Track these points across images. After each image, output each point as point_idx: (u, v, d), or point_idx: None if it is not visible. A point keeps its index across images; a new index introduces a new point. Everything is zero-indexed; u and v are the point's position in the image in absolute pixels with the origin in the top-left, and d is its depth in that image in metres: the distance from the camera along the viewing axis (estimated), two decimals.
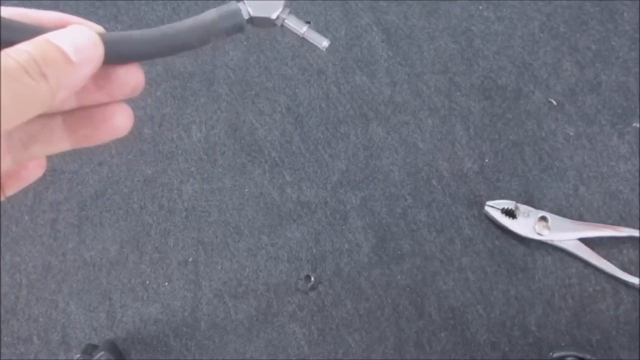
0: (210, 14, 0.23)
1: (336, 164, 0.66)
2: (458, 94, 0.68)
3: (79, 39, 0.19)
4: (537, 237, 0.60)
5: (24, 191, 0.66)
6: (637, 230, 0.61)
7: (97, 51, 0.19)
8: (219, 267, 0.63)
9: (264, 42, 0.71)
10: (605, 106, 0.66)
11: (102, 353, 0.57)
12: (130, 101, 0.73)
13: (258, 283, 0.62)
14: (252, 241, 0.63)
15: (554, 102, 0.67)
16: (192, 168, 0.66)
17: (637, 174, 0.64)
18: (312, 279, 0.62)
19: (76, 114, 0.22)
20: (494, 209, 0.61)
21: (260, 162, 0.66)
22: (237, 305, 0.62)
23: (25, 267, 0.63)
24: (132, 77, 0.22)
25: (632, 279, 0.59)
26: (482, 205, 0.62)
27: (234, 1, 0.24)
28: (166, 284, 0.63)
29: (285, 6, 0.24)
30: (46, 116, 0.23)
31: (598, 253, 0.60)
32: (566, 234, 0.60)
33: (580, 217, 0.62)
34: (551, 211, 0.62)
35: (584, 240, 0.60)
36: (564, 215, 0.62)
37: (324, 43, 0.25)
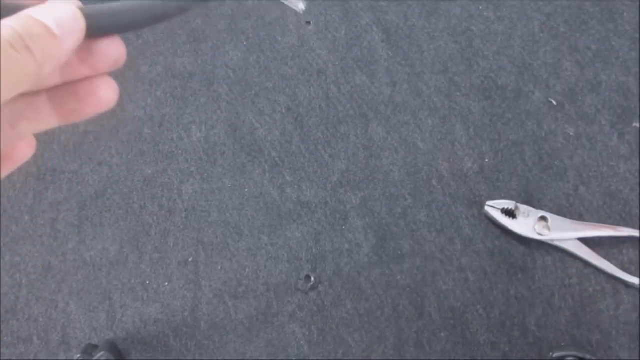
0: None
1: (336, 164, 0.66)
2: (458, 94, 0.68)
3: (59, 12, 0.19)
4: (537, 237, 0.60)
5: (24, 191, 0.66)
6: (637, 230, 0.61)
7: (79, 24, 0.19)
8: (219, 267, 0.63)
9: (264, 42, 0.71)
10: (605, 106, 0.66)
11: (102, 353, 0.56)
12: (131, 101, 0.73)
13: (258, 283, 0.62)
14: (252, 241, 0.63)
15: (554, 102, 0.67)
16: (192, 168, 0.66)
17: (637, 174, 0.64)
18: (312, 279, 0.62)
19: (61, 89, 0.23)
20: (494, 209, 0.61)
21: (260, 162, 0.66)
22: (237, 305, 0.62)
23: (25, 267, 0.63)
24: (114, 49, 0.22)
25: (632, 279, 0.59)
26: (482, 205, 0.62)
27: None
28: (166, 284, 0.63)
29: None
30: (32, 94, 0.23)
31: (598, 253, 0.60)
32: (566, 234, 0.60)
33: (580, 217, 0.62)
34: (551, 211, 0.62)
35: (584, 240, 0.60)
36: (564, 215, 0.62)
37: (300, 5, 0.26)
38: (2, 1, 0.20)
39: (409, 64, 0.69)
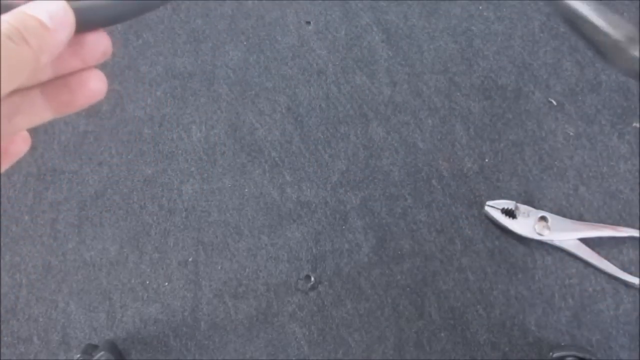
0: None
1: (336, 164, 0.66)
2: (458, 94, 0.68)
3: (50, 7, 0.20)
4: (537, 237, 0.60)
5: (24, 191, 0.66)
6: (637, 230, 0.61)
7: (69, 17, 0.21)
8: (219, 267, 0.63)
9: (264, 42, 0.71)
10: (605, 106, 0.66)
11: (102, 353, 0.57)
12: (131, 101, 0.73)
13: (258, 283, 0.62)
14: (252, 241, 0.63)
15: (554, 102, 0.67)
16: (192, 168, 0.66)
17: (637, 174, 0.64)
18: (312, 279, 0.62)
19: (53, 83, 0.24)
20: (494, 209, 0.61)
21: (260, 162, 0.66)
22: (237, 305, 0.62)
23: (25, 267, 0.63)
24: (101, 42, 0.24)
25: (632, 279, 0.59)
26: (482, 205, 0.62)
27: None
28: (166, 284, 0.63)
29: None
30: (26, 89, 0.24)
31: (598, 253, 0.60)
32: (566, 234, 0.60)
33: (580, 217, 0.62)
34: (551, 211, 0.62)
35: (584, 240, 0.60)
36: (564, 215, 0.62)
37: None
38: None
39: (409, 64, 0.69)
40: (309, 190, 0.65)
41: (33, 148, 0.68)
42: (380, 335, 0.60)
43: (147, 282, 0.63)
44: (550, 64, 0.68)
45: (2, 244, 0.64)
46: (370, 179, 0.65)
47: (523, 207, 0.61)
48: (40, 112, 0.25)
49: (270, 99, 0.69)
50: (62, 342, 0.61)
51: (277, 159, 0.66)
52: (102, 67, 0.75)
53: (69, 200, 0.66)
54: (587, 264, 0.61)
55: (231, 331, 0.61)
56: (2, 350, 0.61)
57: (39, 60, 0.20)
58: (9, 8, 0.20)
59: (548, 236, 0.60)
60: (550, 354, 0.57)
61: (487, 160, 0.65)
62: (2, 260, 0.64)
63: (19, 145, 0.25)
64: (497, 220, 0.61)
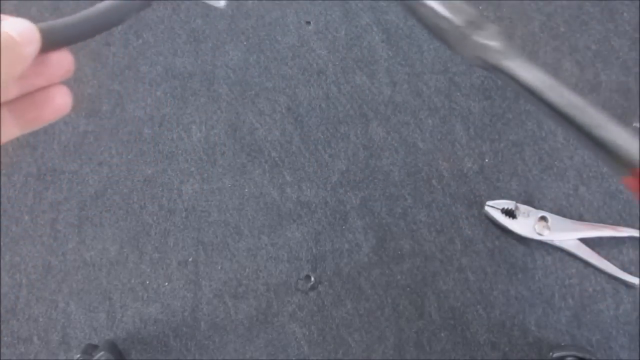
0: None
1: (336, 164, 0.66)
2: (458, 94, 0.68)
3: (18, 25, 0.22)
4: (537, 237, 0.60)
5: (24, 191, 0.66)
6: (637, 230, 0.61)
7: (35, 34, 0.22)
8: (219, 267, 0.63)
9: (264, 42, 0.71)
10: (605, 106, 0.66)
11: (102, 353, 0.57)
12: (131, 101, 0.73)
13: (258, 283, 0.62)
14: (252, 241, 0.63)
15: None
16: (192, 168, 0.66)
17: None
18: (312, 279, 0.62)
19: (20, 101, 0.25)
20: (494, 209, 0.61)
21: (260, 162, 0.66)
22: (237, 305, 0.62)
23: (25, 267, 0.63)
24: (64, 60, 0.25)
25: (632, 279, 0.59)
26: (482, 205, 0.62)
27: None
28: (166, 284, 0.63)
29: None
30: None
31: (598, 253, 0.60)
32: (566, 234, 0.60)
33: (580, 217, 0.62)
34: (551, 211, 0.62)
35: (584, 240, 0.60)
36: (564, 215, 0.62)
37: (221, 4, 0.27)
38: None
39: (409, 64, 0.69)
40: (309, 190, 0.65)
41: (33, 148, 0.68)
42: (380, 335, 0.60)
43: (147, 282, 0.63)
44: (550, 64, 0.68)
45: (2, 244, 0.64)
46: (370, 179, 0.65)
47: (523, 207, 0.61)
48: (8, 129, 0.26)
49: (270, 99, 0.69)
50: (62, 342, 0.61)
51: (277, 159, 0.66)
52: (103, 67, 0.75)
53: (69, 200, 0.66)
54: (587, 264, 0.61)
55: (231, 331, 0.61)
56: (2, 350, 0.61)
57: (10, 73, 0.21)
58: None
59: (548, 236, 0.60)
60: (550, 354, 0.57)
61: (487, 160, 0.65)
62: (2, 260, 0.64)
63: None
64: (497, 220, 0.61)
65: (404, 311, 0.61)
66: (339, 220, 0.64)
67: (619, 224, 0.62)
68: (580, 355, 0.55)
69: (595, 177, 0.64)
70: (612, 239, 0.61)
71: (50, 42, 0.24)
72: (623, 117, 0.66)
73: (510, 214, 0.61)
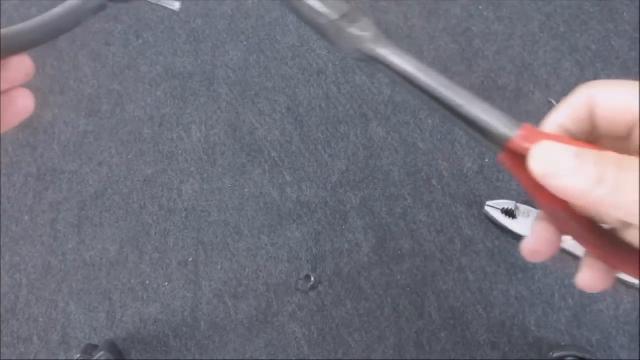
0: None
1: (336, 164, 0.66)
2: None
3: None
4: None
5: (24, 191, 0.66)
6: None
7: None
8: (219, 267, 0.63)
9: (264, 42, 0.71)
10: None
11: (102, 353, 0.57)
12: (131, 101, 0.73)
13: (258, 283, 0.62)
14: (252, 241, 0.63)
15: (554, 102, 0.67)
16: (192, 168, 0.66)
17: None
18: (312, 279, 0.62)
19: None
20: (494, 209, 0.61)
21: (260, 162, 0.66)
22: (237, 305, 0.62)
23: (25, 267, 0.63)
24: (24, 64, 0.26)
25: (632, 279, 0.59)
26: (482, 205, 0.62)
27: None
28: (166, 284, 0.63)
29: None
30: None
31: None
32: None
33: None
34: None
35: None
36: None
37: (176, 5, 0.28)
38: None
39: None
40: (309, 190, 0.65)
41: (33, 148, 0.68)
42: (380, 335, 0.60)
43: (147, 282, 0.63)
44: (550, 64, 0.68)
45: (2, 244, 0.64)
46: (370, 179, 0.65)
47: (523, 207, 0.61)
48: None
49: (270, 99, 0.69)
50: (62, 342, 0.61)
51: (277, 159, 0.66)
52: (103, 67, 0.75)
53: (69, 200, 0.66)
54: None
55: (231, 331, 0.61)
56: (2, 350, 0.61)
57: None
58: None
59: None
60: (550, 354, 0.57)
61: (487, 160, 0.65)
62: (2, 260, 0.64)
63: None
64: (497, 220, 0.61)
65: (404, 311, 0.61)
66: (339, 220, 0.64)
67: None
68: (580, 355, 0.55)
69: None
70: None
71: (9, 48, 0.25)
72: None
73: (510, 214, 0.61)
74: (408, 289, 0.61)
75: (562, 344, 0.59)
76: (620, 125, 0.21)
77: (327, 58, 0.70)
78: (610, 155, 0.18)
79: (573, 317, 0.59)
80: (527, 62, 0.68)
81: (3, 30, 0.24)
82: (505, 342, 0.59)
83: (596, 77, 0.67)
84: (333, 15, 0.25)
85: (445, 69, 0.69)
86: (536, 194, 0.21)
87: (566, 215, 0.22)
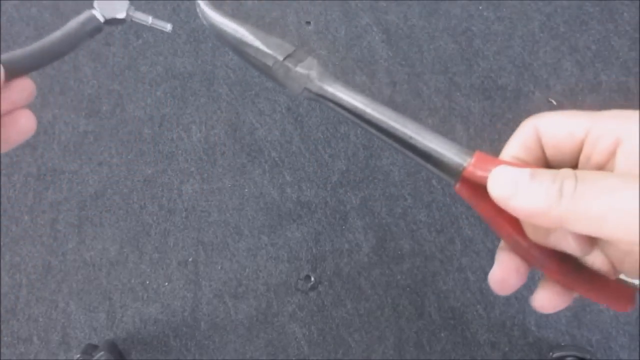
0: (73, 24, 0.29)
1: (336, 164, 0.66)
2: (458, 94, 0.68)
3: None
4: None
5: (24, 191, 0.66)
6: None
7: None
8: (219, 267, 0.63)
9: None
10: (605, 106, 0.66)
11: (102, 353, 0.57)
12: (131, 101, 0.72)
13: (258, 283, 0.62)
14: (252, 241, 0.63)
15: (554, 102, 0.67)
16: (192, 168, 0.66)
17: None
18: (312, 279, 0.62)
19: None
20: None
21: (260, 162, 0.66)
22: (237, 305, 0.62)
23: (25, 267, 0.63)
24: (26, 86, 0.28)
25: (632, 279, 0.59)
26: None
27: (88, 10, 0.29)
28: (166, 284, 0.63)
29: (129, 5, 0.30)
30: None
31: None
32: None
33: None
34: None
35: None
36: None
37: (168, 27, 0.31)
38: None
39: (409, 64, 0.69)
40: (309, 190, 0.65)
41: (33, 148, 0.68)
42: (380, 335, 0.60)
43: (147, 282, 0.63)
44: (550, 64, 0.68)
45: (2, 244, 0.64)
46: (370, 179, 0.65)
47: None
48: None
49: (270, 99, 0.69)
50: (62, 342, 0.61)
51: (277, 159, 0.66)
52: (103, 67, 0.75)
53: (69, 200, 0.66)
54: None
55: (231, 331, 0.61)
56: (2, 350, 0.61)
57: None
58: None
59: None
60: (550, 354, 0.57)
61: None
62: (2, 260, 0.64)
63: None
64: None
65: (404, 311, 0.61)
66: (339, 220, 0.64)
67: None
68: (580, 355, 0.55)
69: None
70: None
71: (12, 71, 0.27)
72: None
73: None
74: (408, 289, 0.61)
75: (562, 344, 0.59)
76: (565, 152, 0.21)
77: (327, 58, 0.70)
78: (565, 170, 0.19)
79: (573, 317, 0.59)
80: (527, 62, 0.68)
81: (5, 55, 0.26)
82: (505, 342, 0.59)
83: (596, 77, 0.67)
84: (279, 55, 0.26)
85: (445, 69, 0.69)
86: (495, 223, 0.21)
87: (527, 243, 0.22)
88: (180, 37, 0.71)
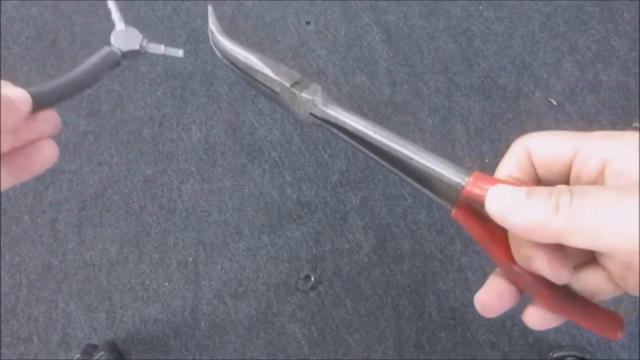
0: (93, 59, 0.32)
1: (336, 164, 0.66)
2: (458, 94, 0.68)
3: (13, 89, 0.28)
4: None
5: (24, 191, 0.66)
6: None
7: (27, 97, 0.28)
8: (219, 267, 0.63)
9: (264, 42, 0.71)
10: (605, 106, 0.66)
11: (102, 353, 0.57)
12: (131, 101, 0.73)
13: (258, 283, 0.62)
14: (252, 241, 0.63)
15: (554, 102, 0.67)
16: (192, 168, 0.66)
17: None
18: (312, 279, 0.62)
19: (13, 153, 0.29)
20: None
21: (260, 162, 0.66)
22: (237, 305, 0.62)
23: (25, 267, 0.63)
24: (51, 118, 0.30)
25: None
26: None
27: (107, 46, 0.33)
28: (166, 284, 0.63)
29: (143, 37, 0.33)
30: None
31: None
32: None
33: None
34: None
35: None
36: None
37: (180, 53, 0.34)
38: None
39: (409, 64, 0.69)
40: (309, 190, 0.65)
41: None
42: (380, 335, 0.60)
43: (147, 282, 0.63)
44: (550, 64, 0.68)
45: (2, 244, 0.64)
46: (370, 179, 0.65)
47: None
48: (3, 179, 0.30)
49: None
50: (62, 342, 0.61)
51: (277, 159, 0.66)
52: None
53: (69, 200, 0.66)
54: None
55: (231, 331, 0.61)
56: (2, 350, 0.61)
57: (9, 125, 0.26)
58: None
59: None
60: (550, 354, 0.57)
61: (487, 160, 0.65)
62: (2, 260, 0.64)
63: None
64: None
65: (404, 311, 0.61)
66: (339, 220, 0.64)
67: None
68: (580, 355, 0.55)
69: None
70: None
71: (39, 103, 0.29)
72: (623, 117, 0.66)
73: None
74: (408, 289, 0.61)
75: (562, 344, 0.59)
76: (555, 172, 0.22)
77: (327, 58, 0.70)
78: (561, 186, 0.19)
79: None
80: (527, 62, 0.68)
81: (31, 89, 0.28)
82: (505, 342, 0.59)
83: (596, 77, 0.67)
84: (287, 82, 0.28)
85: (445, 69, 0.69)
86: (489, 249, 0.22)
87: (519, 269, 0.22)
88: (180, 37, 0.71)
